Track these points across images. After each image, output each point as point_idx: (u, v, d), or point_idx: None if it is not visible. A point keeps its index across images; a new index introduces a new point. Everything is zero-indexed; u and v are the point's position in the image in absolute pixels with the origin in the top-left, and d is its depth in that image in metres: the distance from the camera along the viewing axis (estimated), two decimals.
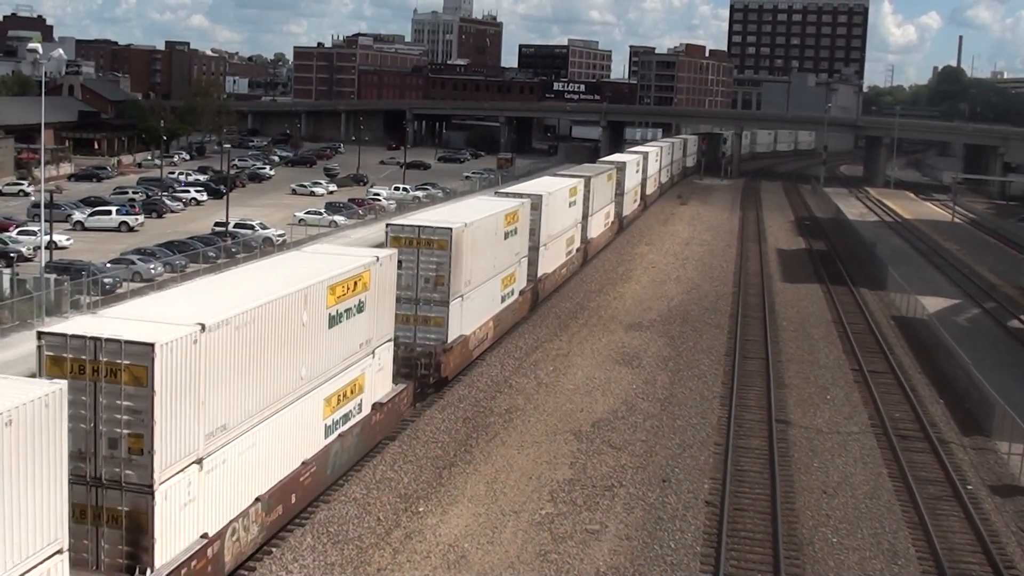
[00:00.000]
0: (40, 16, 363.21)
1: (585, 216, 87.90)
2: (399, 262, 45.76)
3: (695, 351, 62.01)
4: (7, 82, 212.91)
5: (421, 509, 36.76)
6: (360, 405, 39.79)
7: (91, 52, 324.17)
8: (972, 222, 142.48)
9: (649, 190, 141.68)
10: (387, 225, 51.15)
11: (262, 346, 31.45)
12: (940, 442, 46.64)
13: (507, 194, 69.53)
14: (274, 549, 32.88)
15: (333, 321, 36.46)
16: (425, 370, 49.03)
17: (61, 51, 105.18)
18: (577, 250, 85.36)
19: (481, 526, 35.55)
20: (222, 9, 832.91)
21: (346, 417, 38.30)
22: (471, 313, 53.51)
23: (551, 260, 74.30)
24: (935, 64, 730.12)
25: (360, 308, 38.79)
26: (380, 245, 51.28)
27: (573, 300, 75.16)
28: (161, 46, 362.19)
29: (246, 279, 36.37)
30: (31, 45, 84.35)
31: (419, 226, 50.28)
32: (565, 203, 78.84)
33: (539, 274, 70.16)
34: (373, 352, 40.78)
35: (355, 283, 38.21)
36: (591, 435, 45.73)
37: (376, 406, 41.29)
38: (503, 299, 60.72)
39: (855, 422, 49.66)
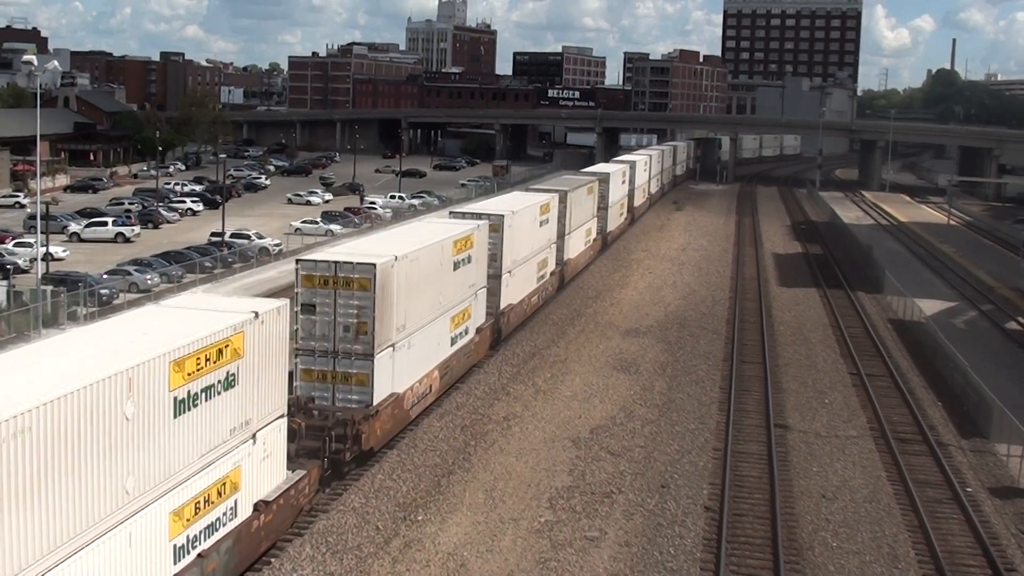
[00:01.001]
0: (35, 28, 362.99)
1: (561, 235, 79.14)
2: (312, 306, 40.82)
3: (693, 356, 61.98)
4: (2, 94, 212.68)
5: (420, 518, 36.71)
6: (235, 508, 31.12)
7: (86, 64, 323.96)
8: (968, 224, 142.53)
9: (638, 201, 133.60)
10: (297, 261, 42.06)
11: (55, 458, 23.21)
12: (939, 445, 46.63)
13: (462, 214, 61.06)
14: (273, 559, 32.84)
15: (182, 407, 27.82)
16: (339, 443, 39.09)
17: (56, 63, 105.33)
18: (552, 274, 76.19)
19: (480, 534, 35.51)
20: (217, 20, 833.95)
21: (211, 528, 29.90)
22: (407, 365, 44.69)
23: (518, 289, 65.22)
24: (929, 67, 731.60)
25: (229, 382, 30.12)
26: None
27: (545, 332, 74.97)
28: (156, 57, 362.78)
29: (39, 360, 26.29)
30: (26, 57, 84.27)
31: (335, 262, 41.18)
32: (534, 222, 69.38)
33: (502, 306, 61.40)
34: (254, 436, 31.88)
35: (219, 351, 29.52)
36: (589, 442, 45.69)
37: (260, 506, 32.58)
38: (453, 341, 51.81)
39: (853, 426, 49.64)
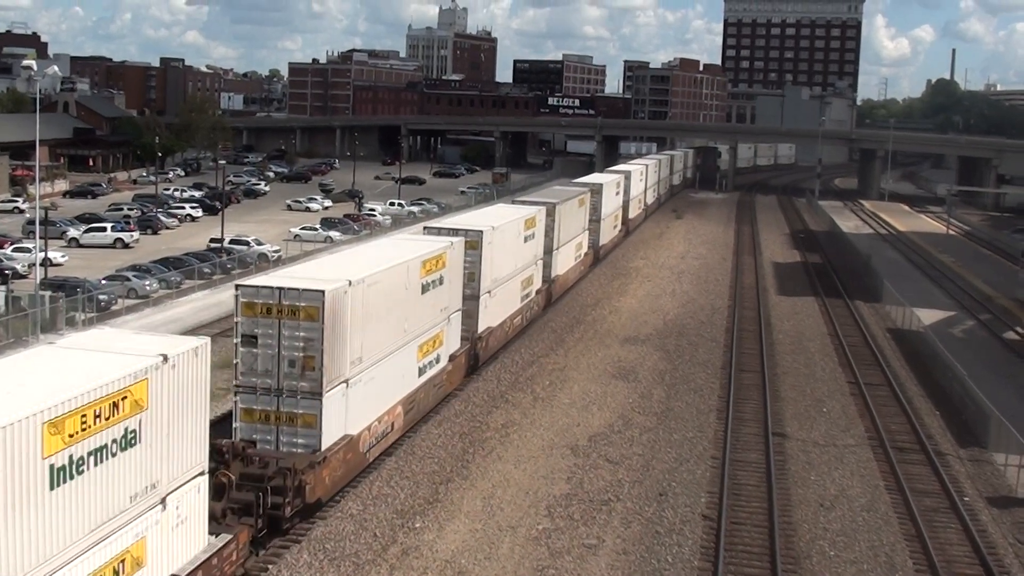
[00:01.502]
0: (35, 33, 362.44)
1: (549, 251, 75.04)
2: (253, 338, 36.49)
3: (691, 365, 61.99)
4: (2, 99, 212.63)
5: (418, 525, 36.69)
6: None
7: (86, 69, 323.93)
8: (967, 234, 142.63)
9: (633, 213, 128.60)
10: (237, 287, 37.21)
11: None
12: (936, 454, 46.64)
13: (437, 230, 56.64)
14: (270, 567, 32.81)
15: (62, 475, 23.23)
16: (278, 496, 34.01)
17: (56, 68, 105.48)
18: (538, 292, 71.91)
19: (478, 542, 35.50)
20: (217, 26, 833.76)
21: None
22: (363, 402, 39.88)
23: (499, 310, 60.77)
24: (929, 77, 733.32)
25: (129, 441, 25.51)
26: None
27: (543, 339, 74.99)
28: (156, 63, 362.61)
29: None
30: (26, 62, 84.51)
31: (279, 288, 36.47)
32: (518, 238, 64.89)
33: (480, 330, 57.03)
34: (163, 501, 27.29)
35: (115, 404, 24.92)
36: (588, 449, 45.68)
37: None
38: (422, 371, 47.14)
39: (852, 435, 49.64)
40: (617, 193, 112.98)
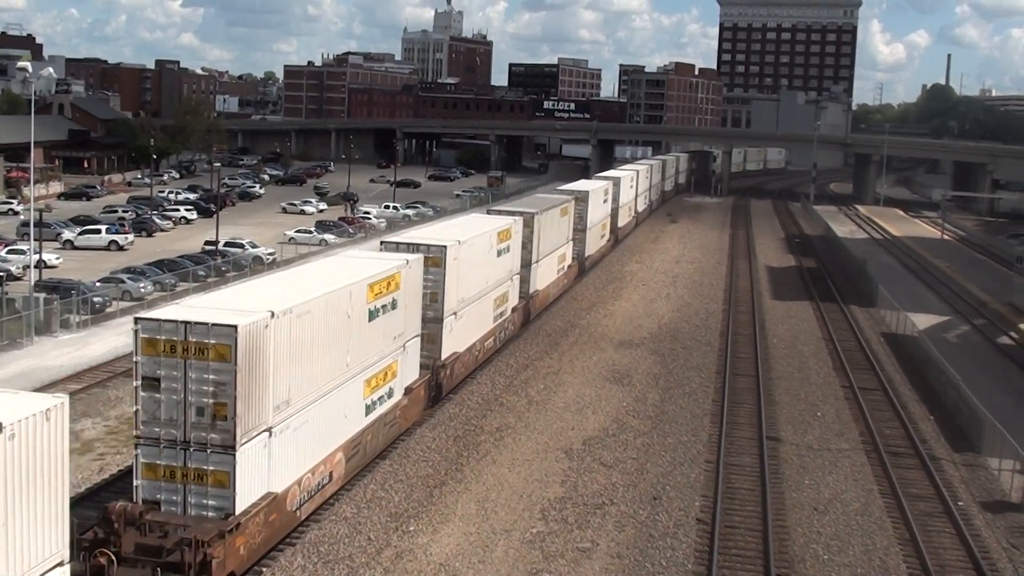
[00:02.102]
0: (30, 35, 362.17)
1: (527, 264, 70.02)
2: (155, 381, 31.13)
3: (686, 369, 62.01)
4: None
5: (412, 528, 36.69)
6: None
7: (81, 71, 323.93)
8: (961, 239, 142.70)
9: (622, 221, 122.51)
10: (136, 320, 31.90)
11: None
12: (931, 459, 46.66)
13: (395, 245, 50.82)
14: (264, 569, 32.78)
15: None
16: (176, 575, 29.37)
17: (51, 69, 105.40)
18: (514, 310, 66.80)
19: (472, 545, 35.48)
20: (212, 28, 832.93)
21: None
22: (291, 453, 34.34)
23: (466, 333, 55.19)
24: (924, 82, 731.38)
25: None
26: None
27: (538, 343, 74.97)
28: (151, 65, 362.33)
29: None
30: (21, 64, 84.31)
31: (185, 322, 30.91)
32: (490, 251, 59.14)
33: (444, 356, 51.38)
34: None
35: None
36: (582, 453, 45.69)
37: None
38: (370, 408, 41.55)
39: (846, 439, 49.66)
40: (605, 200, 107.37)
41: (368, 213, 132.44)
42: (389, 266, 43.50)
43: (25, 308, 63.98)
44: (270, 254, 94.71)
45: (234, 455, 31.04)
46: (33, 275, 72.53)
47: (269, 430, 32.74)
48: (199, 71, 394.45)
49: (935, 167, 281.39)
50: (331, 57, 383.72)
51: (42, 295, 66.46)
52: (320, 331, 35.99)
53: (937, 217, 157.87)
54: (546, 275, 76.70)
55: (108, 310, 70.17)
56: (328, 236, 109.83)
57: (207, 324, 30.83)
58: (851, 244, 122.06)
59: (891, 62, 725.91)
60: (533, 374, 58.95)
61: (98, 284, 74.75)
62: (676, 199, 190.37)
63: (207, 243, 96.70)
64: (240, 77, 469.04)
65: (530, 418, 50.51)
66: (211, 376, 30.87)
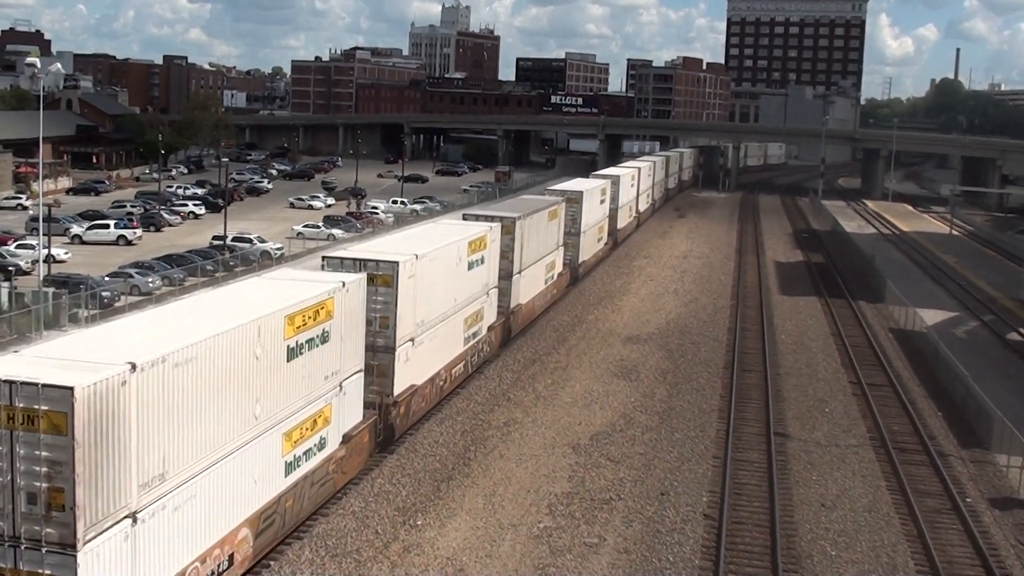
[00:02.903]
0: (38, 31, 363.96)
1: (508, 275, 63.10)
2: None
3: (693, 364, 61.95)
4: (5, 96, 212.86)
5: (419, 522, 36.70)
6: None
7: (89, 66, 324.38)
8: (970, 234, 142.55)
9: (622, 222, 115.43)
10: None
11: None
12: (939, 455, 46.58)
13: (340, 261, 43.56)
14: (272, 563, 32.81)
15: None
16: None
17: (59, 65, 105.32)
18: (491, 328, 59.39)
19: (479, 539, 35.49)
20: (220, 24, 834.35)
21: None
22: (170, 540, 26.96)
23: (427, 359, 47.75)
24: (932, 76, 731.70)
25: None
26: None
27: (546, 338, 74.90)
28: (159, 60, 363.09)
29: None
30: (29, 59, 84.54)
31: (9, 382, 23.74)
32: (457, 264, 51.59)
33: (397, 391, 44.03)
34: None
35: None
36: (589, 448, 45.67)
37: None
38: (291, 467, 34.12)
39: (853, 435, 49.60)
40: (602, 201, 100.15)
41: (376, 208, 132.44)
42: (319, 291, 35.74)
43: (34, 303, 64.06)
44: (278, 249, 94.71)
45: (76, 557, 23.79)
46: (42, 270, 72.60)
47: (133, 516, 25.47)
48: (207, 67, 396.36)
49: (944, 162, 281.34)
50: (339, 52, 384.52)
51: (51, 290, 66.60)
52: (213, 380, 28.77)
53: (946, 212, 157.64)
54: (531, 286, 69.40)
55: (116, 305, 70.17)
56: (336, 231, 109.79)
57: (36, 385, 23.55)
58: (859, 239, 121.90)
59: (899, 56, 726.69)
60: (540, 369, 58.92)
61: (107, 279, 74.79)
62: (682, 196, 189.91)
63: (215, 238, 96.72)
64: (248, 72, 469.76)
65: (537, 413, 50.50)
66: (44, 453, 23.64)
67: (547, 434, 47.36)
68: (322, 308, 35.39)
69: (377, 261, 43.24)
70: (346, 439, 38.42)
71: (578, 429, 48.32)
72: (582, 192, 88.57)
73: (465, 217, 64.83)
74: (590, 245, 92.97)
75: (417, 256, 45.19)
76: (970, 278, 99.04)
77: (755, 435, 48.58)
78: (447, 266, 49.78)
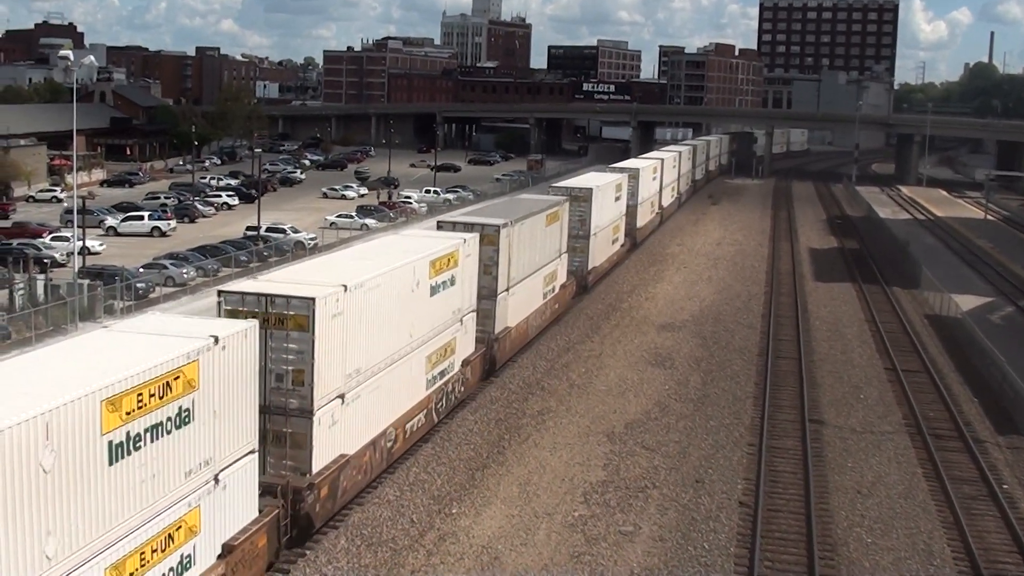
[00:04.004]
0: (71, 23, 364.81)
1: (492, 294, 52.97)
2: None
3: (728, 351, 61.84)
4: (39, 89, 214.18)
5: (454, 511, 36.77)
6: None
7: (122, 59, 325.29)
8: (1005, 219, 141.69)
9: (643, 220, 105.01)
10: None
11: None
12: (975, 441, 46.40)
13: (241, 297, 33.50)
14: (308, 551, 32.93)
15: None
16: None
17: (92, 58, 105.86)
18: (466, 362, 49.11)
19: (514, 527, 35.54)
20: (252, 14, 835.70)
21: None
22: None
23: (368, 419, 37.42)
24: (966, 61, 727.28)
25: None
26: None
27: (579, 327, 74.81)
28: (191, 52, 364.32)
29: None
30: (62, 52, 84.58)
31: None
32: (414, 290, 41.22)
33: (317, 466, 33.82)
34: None
35: None
36: (624, 436, 45.66)
37: None
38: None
39: (889, 421, 49.44)
40: (617, 198, 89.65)
41: (409, 198, 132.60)
42: (181, 351, 26.35)
43: (69, 294, 64.43)
44: (311, 239, 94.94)
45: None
46: (77, 262, 72.99)
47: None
48: (239, 57, 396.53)
49: (978, 147, 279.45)
50: (370, 42, 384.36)
51: (86, 281, 66.91)
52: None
53: (980, 197, 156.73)
54: (524, 304, 59.28)
55: (151, 296, 70.53)
56: (369, 220, 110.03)
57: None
58: (893, 225, 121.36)
59: (933, 40, 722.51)
60: (574, 357, 58.91)
61: (141, 270, 75.16)
62: (713, 184, 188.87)
63: (249, 228, 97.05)
64: (280, 63, 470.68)
65: (572, 401, 50.52)
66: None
67: (581, 422, 47.38)
68: (178, 380, 26.04)
69: (288, 298, 33.03)
70: (226, 552, 28.67)
71: (613, 417, 48.31)
72: (591, 190, 77.91)
73: (440, 226, 53.57)
74: (602, 249, 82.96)
75: (347, 287, 34.94)
76: (1005, 263, 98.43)
77: (790, 422, 48.48)
78: (399, 294, 39.67)
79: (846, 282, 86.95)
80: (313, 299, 32.76)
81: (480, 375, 52.03)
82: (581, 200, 76.15)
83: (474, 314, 50.21)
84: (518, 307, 57.74)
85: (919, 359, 61.29)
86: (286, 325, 32.85)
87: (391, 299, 38.81)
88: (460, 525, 35.61)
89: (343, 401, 35.19)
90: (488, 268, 52.44)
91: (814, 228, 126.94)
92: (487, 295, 52.52)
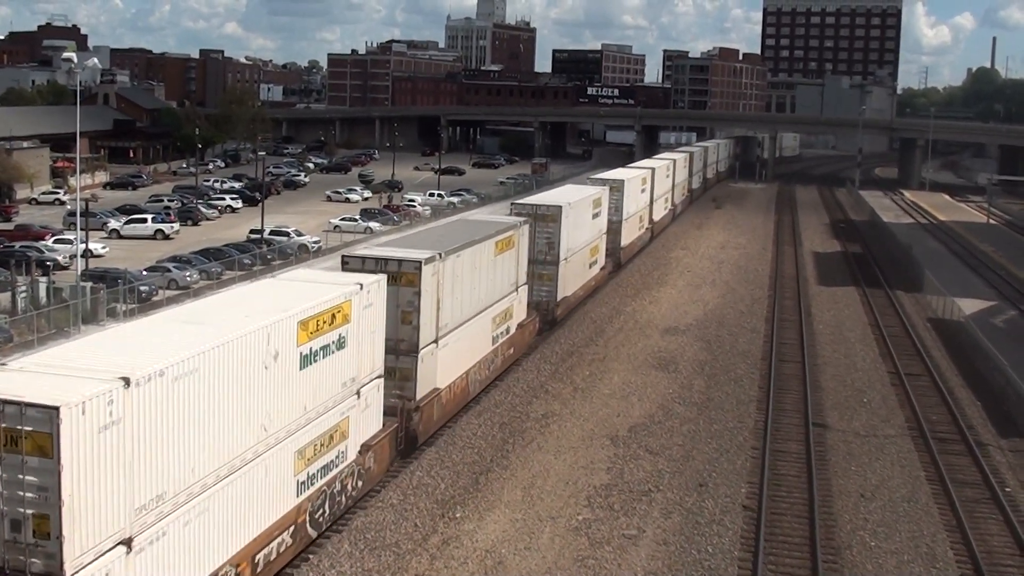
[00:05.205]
0: (75, 26, 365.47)
1: (412, 349, 41.28)
2: None
3: (731, 355, 61.85)
4: (43, 91, 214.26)
5: (458, 515, 36.79)
6: None
7: (126, 61, 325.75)
8: (1008, 223, 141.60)
9: (629, 237, 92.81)
10: None
11: None
12: (977, 444, 46.40)
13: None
14: (311, 556, 32.95)
15: None
16: None
17: (96, 60, 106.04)
18: (366, 450, 36.90)
19: (518, 532, 35.56)
20: (255, 17, 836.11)
21: None
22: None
23: (203, 555, 26.92)
24: (969, 66, 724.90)
25: None
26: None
27: (583, 330, 74.81)
28: (195, 54, 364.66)
29: None
30: (66, 55, 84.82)
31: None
32: (289, 358, 30.84)
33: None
34: None
35: None
36: (628, 440, 45.67)
37: None
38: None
39: (892, 425, 49.46)
40: (596, 214, 77.43)
41: (413, 201, 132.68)
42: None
43: (72, 297, 64.48)
44: (315, 242, 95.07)
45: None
46: (80, 264, 73.03)
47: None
48: (243, 60, 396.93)
49: (981, 151, 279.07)
50: (375, 45, 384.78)
51: (89, 284, 67.02)
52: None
53: (983, 201, 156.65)
54: (462, 355, 47.52)
55: (155, 299, 70.55)
56: (373, 224, 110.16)
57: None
58: (897, 229, 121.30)
59: (936, 45, 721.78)
60: (578, 361, 58.92)
61: (144, 273, 75.23)
62: (715, 191, 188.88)
63: (252, 232, 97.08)
64: (284, 66, 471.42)
65: (575, 405, 50.52)
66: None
67: (585, 426, 47.39)
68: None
69: (21, 405, 22.23)
70: None
71: (616, 421, 48.32)
72: (561, 207, 66.06)
73: (346, 263, 41.76)
74: (576, 274, 71.22)
75: (130, 381, 23.79)
76: (1008, 267, 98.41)
77: (793, 426, 48.49)
78: (237, 375, 28.32)
79: (849, 286, 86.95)
80: (56, 409, 21.75)
81: (390, 457, 40.17)
82: (548, 220, 64.74)
83: (380, 380, 38.10)
84: (454, 360, 46.03)
85: (922, 363, 61.31)
86: (20, 447, 22.08)
87: (222, 385, 27.46)
88: (464, 529, 35.63)
89: (129, 551, 23.91)
90: (407, 315, 41.05)
91: (818, 232, 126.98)
92: (407, 350, 41.24)
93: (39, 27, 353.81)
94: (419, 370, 41.65)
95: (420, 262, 41.05)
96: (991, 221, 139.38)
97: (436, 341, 43.26)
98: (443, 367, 44.41)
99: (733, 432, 47.41)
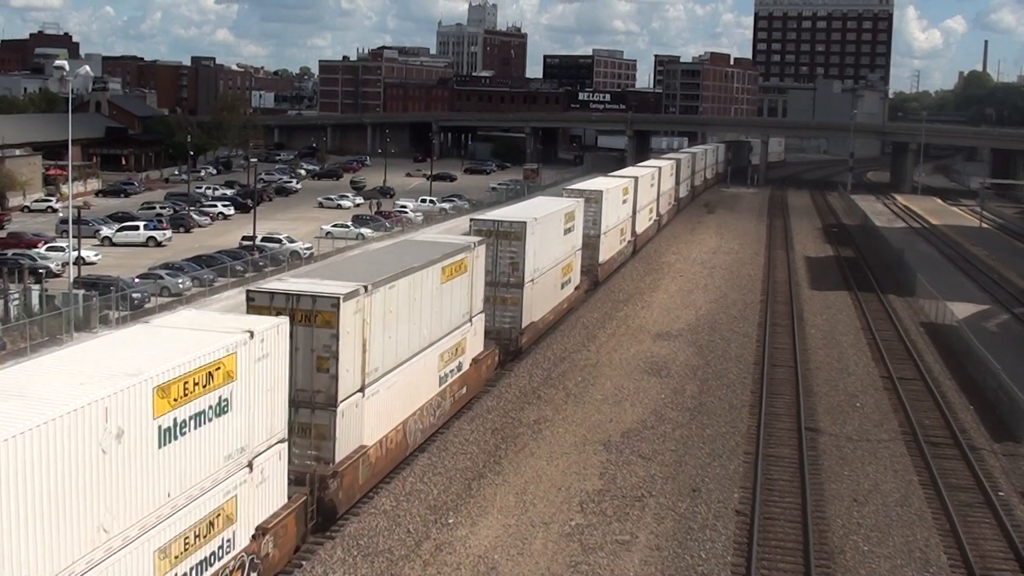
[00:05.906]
0: (66, 33, 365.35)
1: (330, 402, 34.95)
2: None
3: (724, 360, 61.83)
4: (34, 99, 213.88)
5: (451, 521, 36.75)
6: None
7: (117, 68, 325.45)
8: (1000, 227, 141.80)
9: (607, 253, 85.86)
10: None
11: None
12: (970, 448, 46.41)
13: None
14: (304, 562, 32.90)
15: None
16: None
17: (87, 68, 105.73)
18: (263, 532, 30.51)
19: (511, 537, 35.52)
20: (247, 24, 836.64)
21: None
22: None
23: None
24: (961, 69, 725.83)
25: None
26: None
27: (575, 335, 74.77)
28: (187, 62, 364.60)
29: None
30: (58, 62, 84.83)
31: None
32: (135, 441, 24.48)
33: None
34: None
35: None
36: (620, 445, 45.64)
37: None
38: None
39: (885, 429, 49.45)
40: (569, 229, 70.85)
41: (405, 207, 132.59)
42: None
43: (65, 305, 64.39)
44: (307, 249, 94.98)
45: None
46: (72, 272, 72.97)
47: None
48: (234, 67, 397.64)
49: (973, 155, 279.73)
50: (366, 52, 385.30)
51: (81, 292, 66.86)
52: None
53: (975, 205, 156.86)
54: (397, 405, 40.78)
55: (147, 306, 70.43)
56: (365, 230, 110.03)
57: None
58: (889, 233, 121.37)
59: (927, 49, 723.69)
60: (570, 367, 58.87)
61: (137, 280, 75.12)
62: (704, 198, 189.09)
63: (244, 238, 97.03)
64: (275, 73, 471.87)
65: (568, 411, 50.49)
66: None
67: (578, 432, 47.35)
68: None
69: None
70: None
71: (609, 426, 48.29)
72: (525, 223, 59.05)
73: (251, 299, 35.44)
74: (545, 297, 64.34)
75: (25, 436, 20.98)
76: (1001, 271, 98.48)
77: (786, 430, 48.48)
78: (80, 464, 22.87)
79: (842, 290, 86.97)
80: None
81: (298, 537, 33.36)
82: (512, 237, 58.15)
83: (283, 446, 32.09)
84: (387, 410, 39.65)
85: (915, 367, 61.32)
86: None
87: (34, 481, 21.47)
88: (457, 535, 35.59)
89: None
90: (323, 362, 34.80)
91: (810, 236, 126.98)
92: (324, 403, 35.07)
93: (31, 35, 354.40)
94: (338, 427, 35.34)
95: (339, 298, 34.64)
96: (983, 225, 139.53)
97: (362, 390, 37.00)
98: (372, 420, 37.94)
99: (726, 437, 47.39)
